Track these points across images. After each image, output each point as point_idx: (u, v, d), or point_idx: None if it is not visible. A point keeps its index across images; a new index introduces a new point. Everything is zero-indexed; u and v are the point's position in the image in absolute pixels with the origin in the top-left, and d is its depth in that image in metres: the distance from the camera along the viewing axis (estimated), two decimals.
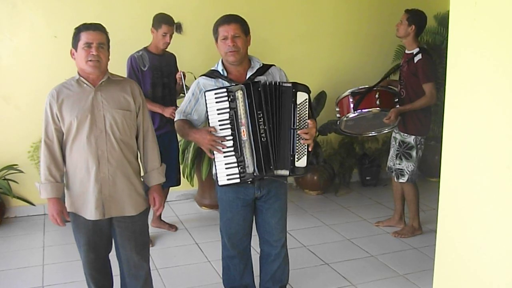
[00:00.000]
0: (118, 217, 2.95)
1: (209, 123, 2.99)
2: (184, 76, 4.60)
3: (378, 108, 4.41)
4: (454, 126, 2.44)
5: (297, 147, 2.99)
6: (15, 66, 5.13)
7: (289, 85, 2.99)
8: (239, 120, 2.93)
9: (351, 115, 4.46)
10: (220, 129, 2.95)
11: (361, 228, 4.96)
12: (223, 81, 3.07)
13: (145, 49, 4.55)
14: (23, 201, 5.23)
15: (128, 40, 4.81)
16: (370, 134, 4.94)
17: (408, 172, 4.57)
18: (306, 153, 3.02)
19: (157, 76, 4.51)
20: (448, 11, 2.40)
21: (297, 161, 3.00)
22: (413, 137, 4.52)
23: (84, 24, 2.83)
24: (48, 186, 2.84)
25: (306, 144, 3.01)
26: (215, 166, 3.00)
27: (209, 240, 4.60)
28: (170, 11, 4.73)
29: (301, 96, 2.99)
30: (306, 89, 3.02)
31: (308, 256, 4.34)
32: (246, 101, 2.92)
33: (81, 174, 2.85)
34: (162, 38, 4.49)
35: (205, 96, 2.95)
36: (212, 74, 3.12)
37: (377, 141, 6.33)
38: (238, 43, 3.00)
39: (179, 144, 5.14)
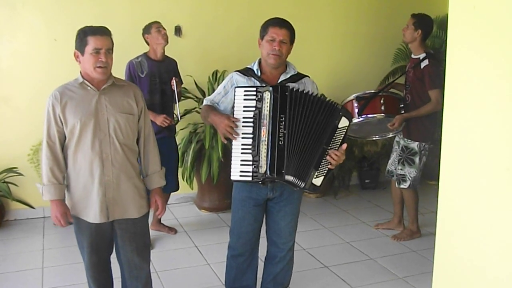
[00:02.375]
0: (119, 219, 2.95)
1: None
2: (178, 83, 4.59)
3: (382, 114, 4.41)
4: (453, 129, 2.45)
5: (321, 165, 3.02)
6: (14, 68, 5.14)
7: (340, 107, 3.04)
8: (262, 120, 2.96)
9: (356, 120, 4.45)
10: (243, 126, 2.99)
11: (360, 231, 4.97)
12: (255, 81, 3.12)
13: (145, 55, 4.54)
14: (23, 204, 5.22)
15: (127, 44, 4.81)
16: (374, 138, 4.93)
17: (410, 178, 4.56)
18: (325, 174, 3.05)
19: (155, 83, 4.49)
20: (447, 15, 2.41)
21: (315, 177, 3.02)
22: (416, 143, 4.49)
23: (91, 27, 2.81)
24: (51, 188, 2.83)
25: (327, 166, 3.03)
26: (232, 159, 3.04)
27: (209, 243, 4.61)
28: (168, 15, 4.75)
29: (344, 122, 3.03)
30: (350, 117, 3.07)
31: (308, 259, 4.35)
32: (272, 103, 2.95)
33: (84, 177, 2.85)
34: (157, 34, 4.48)
35: (234, 92, 3.01)
36: (247, 72, 3.18)
37: (376, 145, 6.35)
38: (283, 49, 3.06)
39: (179, 147, 5.15)
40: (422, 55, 4.39)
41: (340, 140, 3.04)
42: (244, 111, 2.99)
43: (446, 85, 2.44)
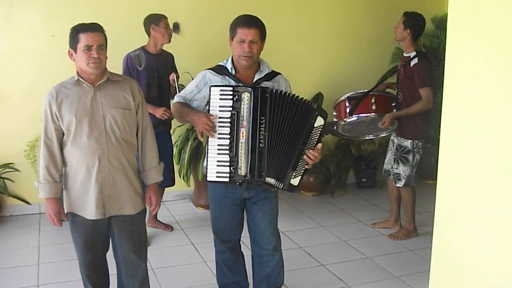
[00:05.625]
0: (116, 217, 2.95)
1: None
2: (177, 78, 4.58)
3: (374, 113, 4.42)
4: (451, 128, 2.45)
5: (298, 166, 3.01)
6: (11, 64, 5.11)
7: (315, 106, 3.00)
8: (240, 122, 2.92)
9: (348, 119, 4.48)
10: (219, 126, 2.94)
11: (356, 230, 4.97)
12: (230, 80, 3.06)
13: (142, 48, 4.53)
14: (19, 199, 5.21)
15: (124, 40, 4.79)
16: (368, 138, 4.94)
17: (404, 177, 4.57)
18: (302, 174, 3.05)
19: (152, 76, 4.49)
20: (446, 14, 2.42)
21: (293, 178, 3.02)
22: (409, 141, 4.51)
23: (82, 25, 2.81)
24: (47, 186, 2.85)
25: (304, 166, 3.02)
26: (207, 160, 3.00)
27: (205, 241, 4.59)
28: (165, 11, 4.73)
29: (319, 121, 2.99)
30: (325, 116, 3.02)
31: (304, 257, 4.35)
32: (252, 104, 2.91)
33: (81, 174, 2.85)
34: (166, 30, 4.50)
35: (210, 91, 2.95)
36: (220, 70, 3.11)
37: (373, 143, 6.34)
38: (253, 49, 2.99)
39: (176, 144, 5.14)
40: (412, 54, 4.42)
41: (316, 139, 3.01)
42: (220, 110, 2.93)
43: (445, 85, 2.44)
